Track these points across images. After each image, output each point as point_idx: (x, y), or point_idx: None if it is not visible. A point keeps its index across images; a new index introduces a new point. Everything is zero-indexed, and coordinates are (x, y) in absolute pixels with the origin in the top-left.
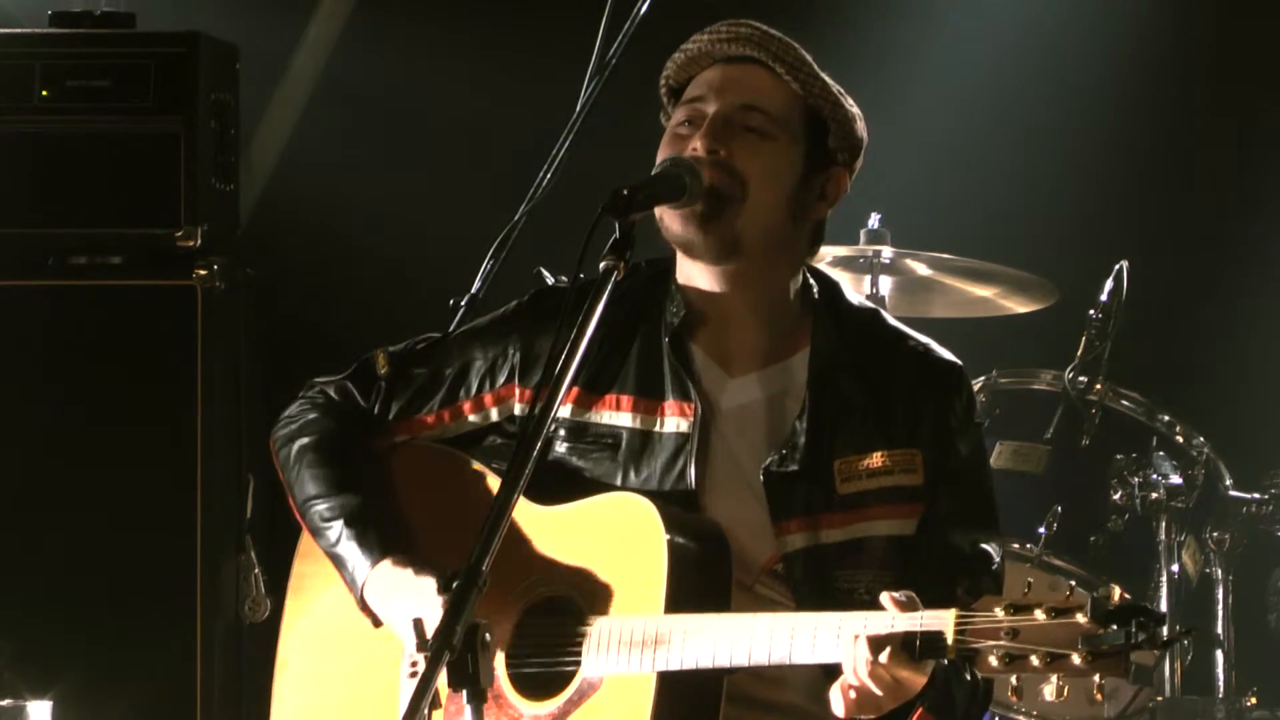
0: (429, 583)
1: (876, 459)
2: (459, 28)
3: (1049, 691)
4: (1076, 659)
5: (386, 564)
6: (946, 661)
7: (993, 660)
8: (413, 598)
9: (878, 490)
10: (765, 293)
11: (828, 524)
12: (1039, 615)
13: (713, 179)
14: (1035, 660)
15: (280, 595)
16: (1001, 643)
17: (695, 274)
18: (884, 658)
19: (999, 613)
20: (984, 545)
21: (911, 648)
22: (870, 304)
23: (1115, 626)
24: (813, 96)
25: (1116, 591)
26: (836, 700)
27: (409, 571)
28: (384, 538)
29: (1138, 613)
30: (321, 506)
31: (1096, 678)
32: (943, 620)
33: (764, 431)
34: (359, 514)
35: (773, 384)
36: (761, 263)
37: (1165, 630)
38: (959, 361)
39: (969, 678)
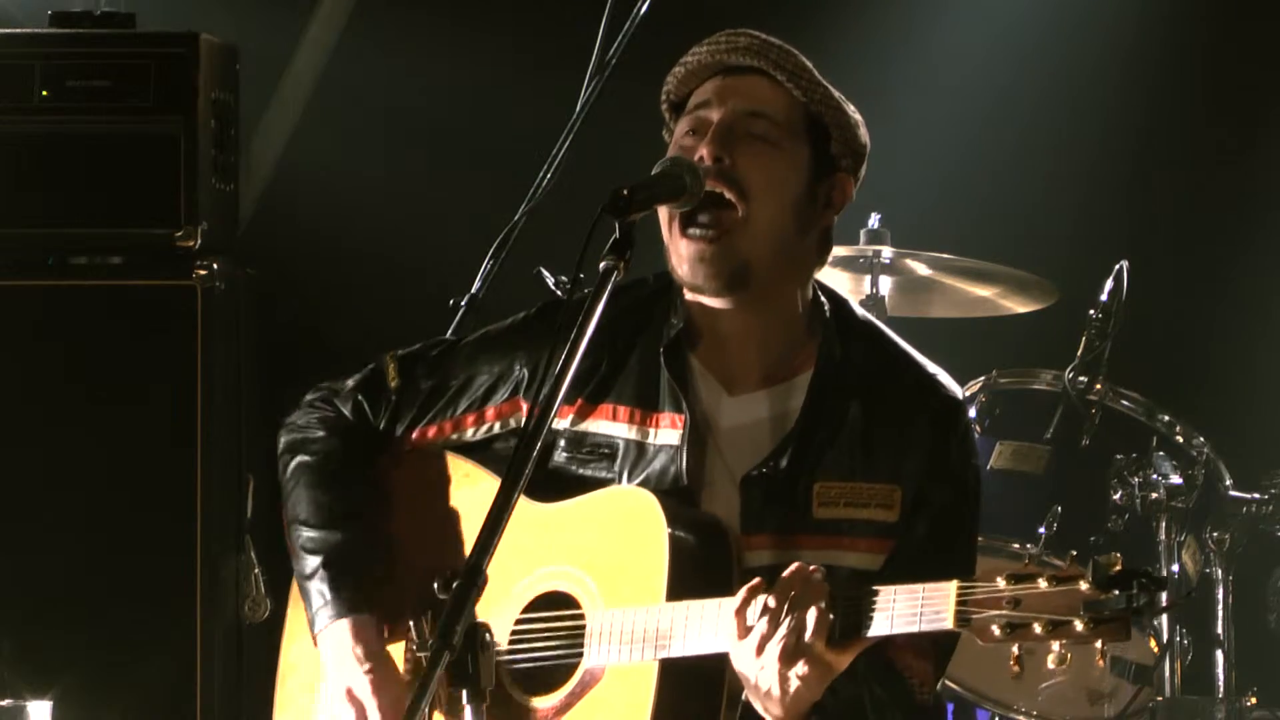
0: (364, 670)
1: (856, 489)
2: (459, 28)
3: (1051, 660)
4: (1078, 625)
5: (344, 625)
6: (844, 693)
7: (995, 630)
8: (351, 672)
9: (851, 521)
10: (771, 311)
11: (798, 545)
12: (1041, 584)
13: (717, 187)
14: (1037, 628)
15: (281, 596)
16: (1003, 612)
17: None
18: (810, 616)
19: (1000, 583)
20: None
21: (835, 610)
22: (879, 323)
23: (1117, 591)
24: (814, 103)
25: (1118, 559)
26: (737, 649)
27: (359, 650)
28: (353, 595)
29: (1139, 576)
30: (305, 534)
31: (1099, 644)
32: (943, 591)
33: (761, 450)
34: (336, 557)
35: (774, 405)
36: (769, 280)
37: (1166, 594)
38: (961, 397)
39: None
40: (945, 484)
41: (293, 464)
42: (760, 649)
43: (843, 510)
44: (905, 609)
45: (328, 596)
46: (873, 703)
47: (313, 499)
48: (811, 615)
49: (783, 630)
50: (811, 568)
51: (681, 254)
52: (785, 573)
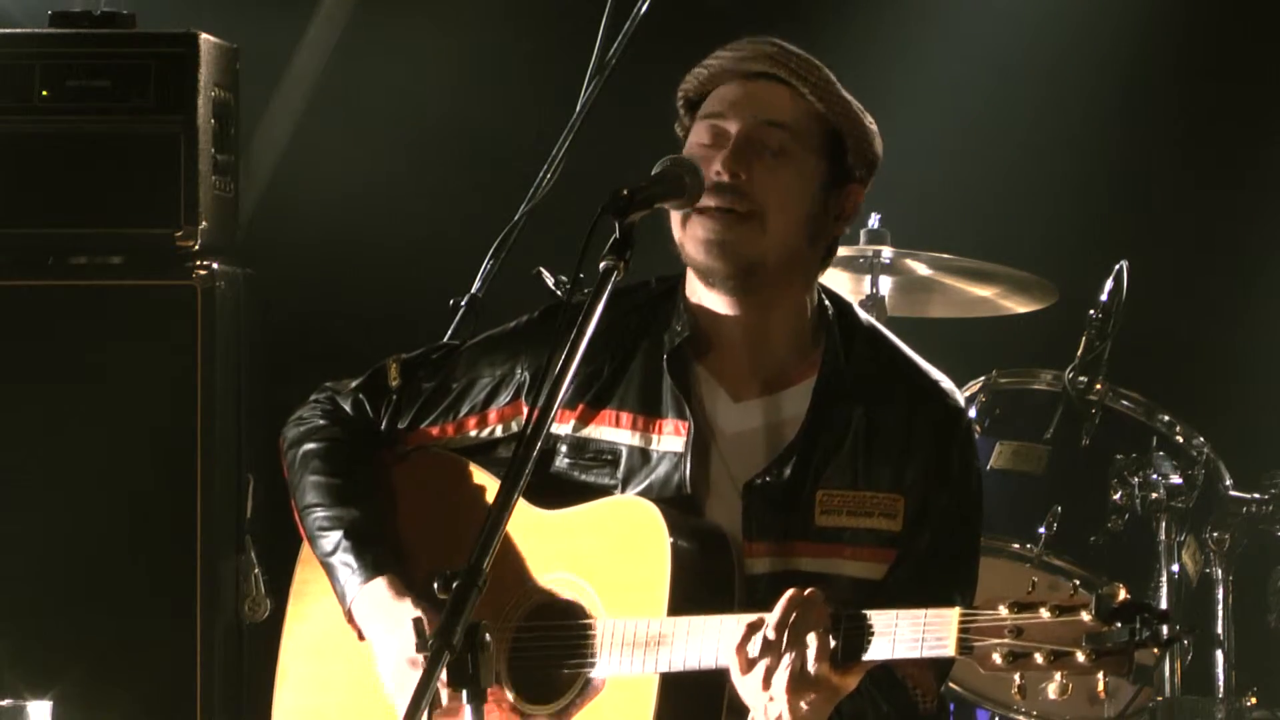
0: (412, 614)
1: (859, 498)
2: (459, 28)
3: (1053, 690)
4: (1080, 657)
5: (380, 583)
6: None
7: (996, 658)
8: (394, 625)
9: (854, 530)
10: (777, 317)
11: (800, 552)
12: (1043, 613)
13: (734, 203)
14: (1039, 658)
15: (281, 597)
16: (1005, 641)
17: (706, 296)
18: (812, 639)
19: (1003, 611)
20: (954, 594)
21: (836, 634)
22: (882, 328)
23: (1119, 624)
24: (833, 114)
25: (1120, 590)
26: (742, 684)
27: (406, 602)
28: (379, 557)
29: (1142, 610)
30: (320, 514)
31: (1100, 675)
32: (945, 619)
33: (763, 457)
34: (357, 528)
35: (777, 411)
36: (777, 286)
37: (1168, 628)
38: (962, 404)
39: None
40: (947, 492)
41: (299, 455)
42: (766, 682)
43: (845, 519)
44: (908, 634)
45: (354, 565)
46: (878, 718)
47: (322, 483)
48: (812, 642)
49: (786, 661)
50: (808, 591)
51: (697, 236)
52: (783, 600)
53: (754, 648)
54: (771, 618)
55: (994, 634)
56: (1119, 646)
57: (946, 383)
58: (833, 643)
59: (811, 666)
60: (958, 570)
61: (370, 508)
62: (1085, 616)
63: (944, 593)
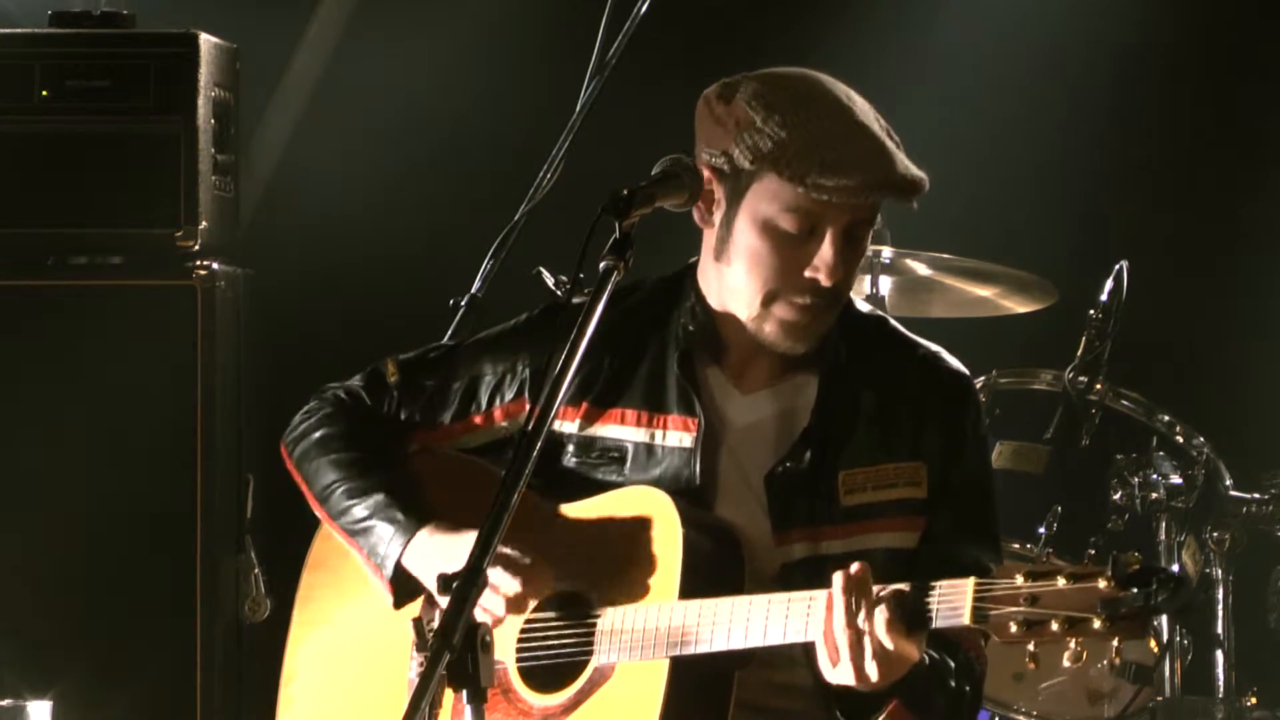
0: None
1: (881, 472)
2: (459, 28)
3: (1067, 657)
4: (1096, 623)
5: (425, 534)
6: (929, 661)
7: (1012, 627)
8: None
9: (881, 503)
10: None
11: (829, 535)
12: (1059, 581)
13: (826, 300)
14: (1054, 625)
15: (281, 596)
16: (1021, 609)
17: (729, 298)
18: (879, 615)
19: (1019, 580)
20: (983, 559)
21: (903, 607)
22: (878, 312)
23: (1135, 589)
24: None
25: (1138, 557)
26: (838, 675)
27: (460, 536)
28: (422, 507)
29: (1157, 574)
30: (347, 485)
31: (1115, 641)
32: (960, 588)
33: (773, 446)
34: (393, 486)
35: (785, 399)
36: None
37: (1184, 591)
38: (967, 372)
39: (953, 684)
40: (963, 466)
41: (311, 443)
42: (859, 671)
43: (870, 494)
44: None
45: (400, 519)
46: (948, 673)
47: (343, 459)
48: (881, 613)
49: (861, 635)
50: (854, 568)
51: (785, 319)
52: (837, 586)
53: (835, 623)
54: (837, 598)
55: (1009, 602)
56: (1134, 611)
57: (946, 354)
58: (901, 612)
59: (886, 639)
60: (984, 539)
61: (399, 473)
62: (1101, 583)
63: (974, 564)
